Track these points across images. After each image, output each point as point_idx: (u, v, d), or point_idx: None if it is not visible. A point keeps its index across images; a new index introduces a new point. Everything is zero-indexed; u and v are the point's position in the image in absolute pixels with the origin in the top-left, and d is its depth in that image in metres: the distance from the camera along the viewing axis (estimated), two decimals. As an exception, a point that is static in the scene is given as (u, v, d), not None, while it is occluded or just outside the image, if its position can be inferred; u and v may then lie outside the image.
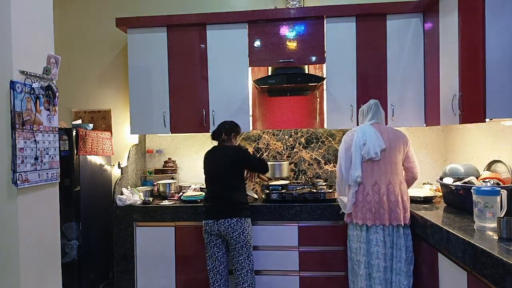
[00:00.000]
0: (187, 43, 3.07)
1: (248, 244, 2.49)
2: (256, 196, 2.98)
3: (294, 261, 2.74)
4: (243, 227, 2.45)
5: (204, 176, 2.65)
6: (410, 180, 2.43)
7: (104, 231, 3.19)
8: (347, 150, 2.41)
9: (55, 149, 2.18)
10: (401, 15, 2.88)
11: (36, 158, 2.00)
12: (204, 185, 2.72)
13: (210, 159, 2.62)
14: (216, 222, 2.45)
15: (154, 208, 2.85)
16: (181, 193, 3.09)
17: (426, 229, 2.12)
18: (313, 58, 2.97)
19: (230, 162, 2.52)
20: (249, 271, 2.48)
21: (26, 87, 1.95)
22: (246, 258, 2.47)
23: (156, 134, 3.34)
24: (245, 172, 2.66)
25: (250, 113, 3.07)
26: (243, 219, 2.47)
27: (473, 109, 2.12)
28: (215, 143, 2.68)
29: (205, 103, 3.06)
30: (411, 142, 3.20)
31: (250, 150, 3.40)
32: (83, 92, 3.55)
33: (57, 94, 2.18)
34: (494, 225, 1.77)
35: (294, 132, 3.37)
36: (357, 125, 2.77)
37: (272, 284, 2.76)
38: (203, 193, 3.01)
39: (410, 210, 2.33)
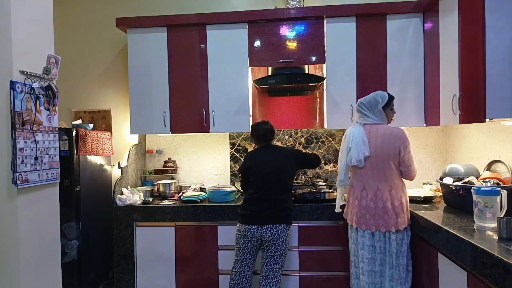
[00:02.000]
0: (187, 43, 3.07)
1: (285, 254, 2.40)
2: None
3: (294, 261, 2.74)
4: (287, 235, 2.37)
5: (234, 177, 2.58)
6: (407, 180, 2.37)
7: (104, 231, 3.19)
8: (341, 153, 2.41)
9: (55, 149, 2.18)
10: (401, 15, 2.88)
11: (36, 158, 2.00)
12: (240, 186, 2.54)
13: (258, 158, 2.47)
14: (260, 228, 2.31)
15: (154, 208, 2.85)
16: (181, 193, 3.09)
17: (426, 229, 2.12)
18: (313, 58, 2.97)
19: (284, 162, 2.41)
20: (278, 281, 2.37)
21: (26, 87, 1.95)
22: (280, 268, 2.37)
23: (156, 134, 3.34)
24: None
25: (250, 113, 3.07)
26: (289, 226, 2.39)
27: (473, 109, 2.12)
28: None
29: (205, 103, 3.06)
30: (411, 142, 3.23)
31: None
32: (83, 92, 3.55)
33: (57, 94, 2.18)
34: (494, 225, 1.77)
35: (294, 132, 3.37)
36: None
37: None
38: (203, 193, 3.01)
39: (410, 211, 2.29)
